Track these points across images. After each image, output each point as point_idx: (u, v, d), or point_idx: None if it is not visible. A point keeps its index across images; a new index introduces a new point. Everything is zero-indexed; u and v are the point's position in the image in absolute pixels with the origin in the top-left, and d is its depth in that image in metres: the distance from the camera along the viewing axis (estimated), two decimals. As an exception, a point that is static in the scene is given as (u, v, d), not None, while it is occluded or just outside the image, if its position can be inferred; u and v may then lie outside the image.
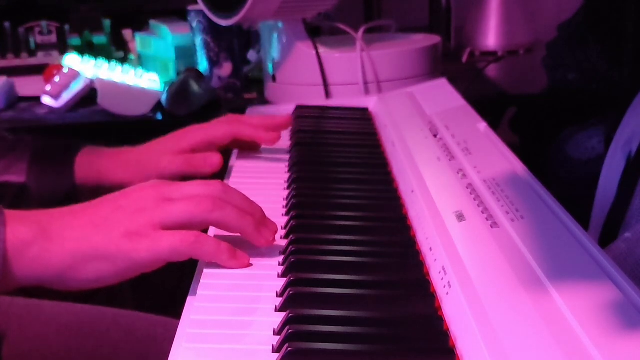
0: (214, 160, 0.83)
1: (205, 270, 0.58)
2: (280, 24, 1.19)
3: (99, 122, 1.27)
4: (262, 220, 0.62)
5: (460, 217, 0.62)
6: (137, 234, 0.57)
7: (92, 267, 0.57)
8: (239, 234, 0.61)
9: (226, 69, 1.35)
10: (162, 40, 1.44)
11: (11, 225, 0.57)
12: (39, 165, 0.84)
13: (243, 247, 0.62)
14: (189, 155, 0.84)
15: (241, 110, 1.07)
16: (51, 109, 1.32)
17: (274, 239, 0.62)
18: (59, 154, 0.86)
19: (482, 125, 0.85)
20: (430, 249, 0.61)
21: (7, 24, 1.54)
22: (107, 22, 1.56)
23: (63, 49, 1.54)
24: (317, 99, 1.15)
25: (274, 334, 0.50)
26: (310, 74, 1.17)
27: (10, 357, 0.78)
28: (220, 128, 0.87)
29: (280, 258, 0.61)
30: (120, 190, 0.62)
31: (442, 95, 1.00)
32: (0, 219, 0.57)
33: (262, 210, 0.63)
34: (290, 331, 0.48)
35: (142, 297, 0.94)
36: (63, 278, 0.57)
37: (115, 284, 0.59)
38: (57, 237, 0.57)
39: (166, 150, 0.85)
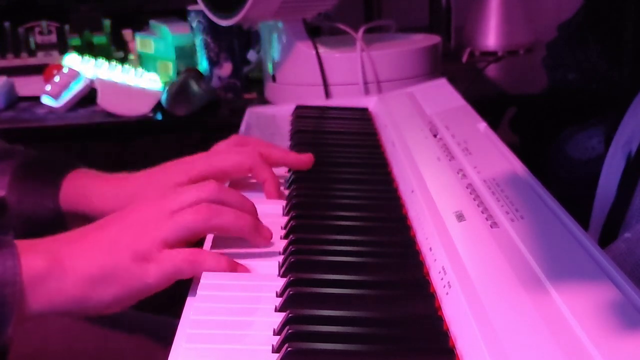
0: None
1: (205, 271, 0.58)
2: (280, 24, 1.19)
3: (98, 122, 1.28)
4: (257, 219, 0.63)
5: (460, 217, 0.62)
6: (144, 257, 0.57)
7: (106, 291, 0.57)
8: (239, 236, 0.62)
9: (226, 69, 1.35)
10: (162, 40, 1.44)
11: (25, 258, 0.56)
12: (21, 182, 0.78)
13: (243, 246, 0.62)
14: None
15: (241, 110, 1.07)
16: (51, 109, 1.32)
17: (271, 237, 0.62)
18: (44, 173, 0.78)
19: (482, 125, 0.85)
20: (430, 249, 0.61)
21: (7, 24, 1.54)
22: (107, 22, 1.56)
23: (63, 49, 1.54)
24: (317, 99, 1.15)
25: (274, 334, 0.50)
26: (310, 74, 1.17)
27: (14, 358, 0.78)
28: (237, 159, 0.76)
29: (280, 258, 0.61)
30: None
31: (442, 95, 1.00)
32: (12, 251, 0.56)
33: (255, 208, 0.64)
34: (290, 331, 0.48)
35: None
36: (81, 306, 0.58)
37: (132, 305, 0.59)
38: (70, 265, 0.57)
39: (170, 181, 0.74)
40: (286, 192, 0.76)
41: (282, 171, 0.81)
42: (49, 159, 0.81)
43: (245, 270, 0.59)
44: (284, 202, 0.74)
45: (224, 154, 0.77)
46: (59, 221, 0.77)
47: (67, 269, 0.57)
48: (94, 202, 0.77)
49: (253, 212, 0.63)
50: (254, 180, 0.77)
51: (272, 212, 0.70)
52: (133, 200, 0.73)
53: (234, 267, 0.59)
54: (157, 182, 0.75)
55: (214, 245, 0.63)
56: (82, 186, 0.78)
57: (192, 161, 0.76)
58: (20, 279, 0.55)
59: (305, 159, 0.80)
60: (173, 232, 0.58)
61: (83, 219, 0.76)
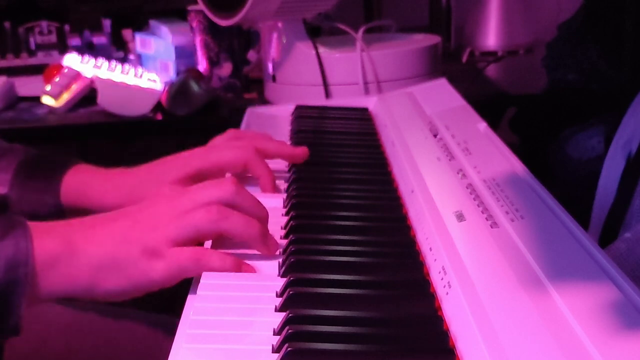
0: None
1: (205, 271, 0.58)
2: (280, 24, 1.19)
3: (99, 122, 1.28)
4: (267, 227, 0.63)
5: (460, 217, 0.62)
6: (153, 253, 0.58)
7: (113, 280, 0.58)
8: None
9: (226, 69, 1.35)
10: (162, 40, 1.44)
11: (38, 240, 0.57)
12: (22, 179, 0.79)
13: (243, 246, 0.62)
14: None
15: (241, 110, 1.07)
16: (51, 109, 1.32)
17: (277, 250, 0.62)
18: (45, 170, 0.80)
19: (482, 125, 0.85)
20: (430, 249, 0.61)
21: (7, 24, 1.54)
22: (107, 22, 1.56)
23: (63, 49, 1.54)
24: (317, 99, 1.15)
25: (273, 334, 0.50)
26: (310, 74, 1.17)
27: (12, 357, 0.78)
28: (233, 154, 0.76)
29: (280, 258, 0.61)
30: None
31: (442, 95, 1.00)
32: (26, 232, 0.57)
33: (267, 215, 0.63)
34: (290, 331, 0.48)
35: (142, 297, 0.94)
36: (89, 291, 0.59)
37: (139, 296, 0.60)
38: (82, 251, 0.58)
39: (168, 177, 0.76)
40: (282, 187, 0.76)
41: (280, 166, 0.81)
42: (49, 156, 0.82)
43: (251, 269, 0.59)
44: (283, 197, 0.74)
45: (220, 150, 0.78)
46: (59, 217, 0.78)
47: (79, 255, 0.57)
48: (95, 197, 0.78)
49: (264, 220, 0.63)
50: (256, 181, 0.77)
51: (272, 213, 0.70)
52: (133, 194, 0.76)
53: (239, 267, 0.59)
54: (155, 177, 0.77)
55: (214, 243, 0.63)
56: (83, 182, 0.79)
57: (190, 157, 0.78)
58: (33, 261, 0.56)
59: (299, 152, 0.81)
60: (181, 231, 0.59)
61: (84, 214, 0.77)
